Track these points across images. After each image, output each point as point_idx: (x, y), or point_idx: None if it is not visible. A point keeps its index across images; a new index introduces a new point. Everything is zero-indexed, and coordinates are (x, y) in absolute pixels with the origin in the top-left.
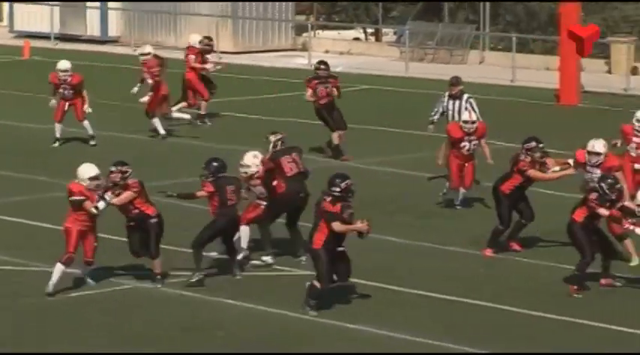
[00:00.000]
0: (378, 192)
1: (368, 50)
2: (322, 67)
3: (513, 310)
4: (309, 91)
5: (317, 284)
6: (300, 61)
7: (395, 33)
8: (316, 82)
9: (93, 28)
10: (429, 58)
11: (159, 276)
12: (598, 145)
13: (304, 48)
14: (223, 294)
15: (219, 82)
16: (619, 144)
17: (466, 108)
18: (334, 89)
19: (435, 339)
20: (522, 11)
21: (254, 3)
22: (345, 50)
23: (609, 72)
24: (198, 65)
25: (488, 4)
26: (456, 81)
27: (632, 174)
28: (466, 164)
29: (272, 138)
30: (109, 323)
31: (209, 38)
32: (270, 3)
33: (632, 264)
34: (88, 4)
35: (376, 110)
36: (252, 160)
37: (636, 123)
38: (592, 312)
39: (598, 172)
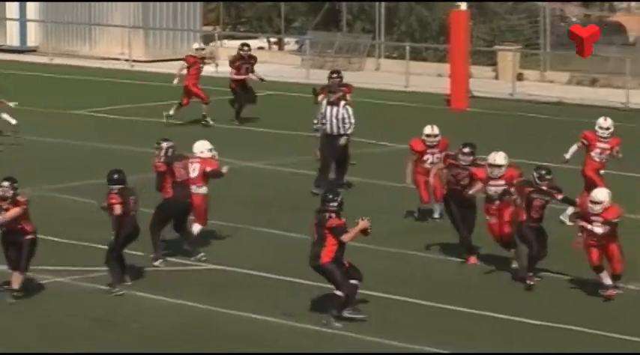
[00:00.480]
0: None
1: (271, 58)
2: (334, 76)
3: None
4: (321, 97)
5: (338, 293)
6: (208, 69)
7: (296, 42)
8: (328, 93)
9: (12, 38)
10: (329, 65)
11: (15, 293)
12: (499, 158)
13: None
14: (139, 288)
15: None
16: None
17: (344, 115)
18: (347, 97)
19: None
20: (415, 22)
21: (164, 14)
22: None
23: (496, 78)
24: (236, 77)
25: (383, 15)
26: (335, 88)
27: (598, 177)
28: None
29: (164, 144)
30: (25, 311)
31: (247, 45)
32: (179, 14)
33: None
34: (8, 15)
35: (280, 114)
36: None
37: (599, 130)
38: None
39: (501, 183)
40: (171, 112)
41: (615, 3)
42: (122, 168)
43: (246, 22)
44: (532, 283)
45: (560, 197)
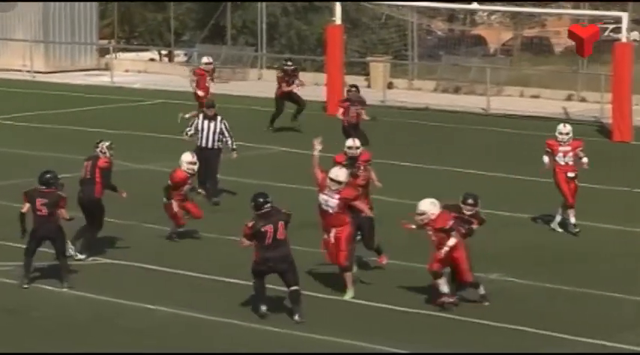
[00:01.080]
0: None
1: (162, 69)
2: (353, 89)
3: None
4: (341, 110)
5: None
6: (104, 79)
7: (185, 54)
8: (348, 103)
9: None
10: (215, 75)
11: None
12: (342, 174)
13: (107, 67)
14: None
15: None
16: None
17: (221, 128)
18: (362, 111)
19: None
20: (295, 35)
21: (63, 29)
22: (142, 69)
23: (369, 86)
24: (287, 88)
25: (265, 30)
26: (211, 104)
27: (566, 182)
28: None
29: (106, 143)
30: None
31: (290, 60)
32: (77, 29)
33: (345, 297)
34: None
35: (169, 120)
36: None
37: (559, 136)
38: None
39: (336, 198)
40: (187, 115)
41: (476, 17)
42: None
43: (138, 36)
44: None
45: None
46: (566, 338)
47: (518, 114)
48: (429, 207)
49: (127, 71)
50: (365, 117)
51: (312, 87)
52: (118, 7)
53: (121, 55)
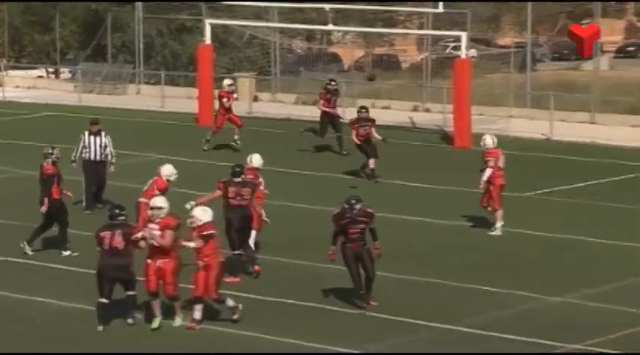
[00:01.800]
0: None
1: (50, 85)
2: (363, 110)
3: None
4: (354, 132)
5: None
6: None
7: (70, 71)
8: (357, 125)
9: None
10: (97, 90)
11: None
12: (159, 201)
13: None
14: None
15: None
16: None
17: (106, 143)
18: (372, 130)
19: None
20: (169, 54)
21: None
22: (31, 85)
23: (236, 100)
24: (329, 110)
25: (142, 49)
26: (95, 121)
27: (499, 187)
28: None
29: (56, 151)
30: None
31: (334, 80)
32: None
33: (175, 324)
34: None
35: (55, 131)
36: None
37: (487, 146)
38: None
39: (156, 228)
40: (208, 137)
41: (332, 37)
42: None
43: (27, 55)
44: (366, 306)
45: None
46: (418, 323)
47: None
48: (200, 213)
49: (17, 87)
50: (375, 135)
51: (185, 100)
52: (9, 29)
53: (12, 73)
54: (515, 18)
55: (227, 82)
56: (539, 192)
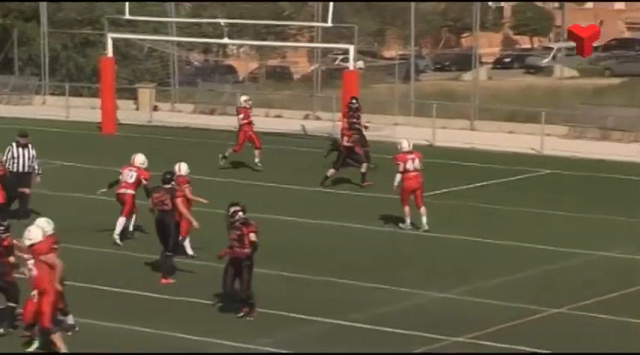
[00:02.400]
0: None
1: None
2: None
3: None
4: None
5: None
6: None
7: None
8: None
9: None
10: (4, 101)
11: None
12: (34, 232)
13: None
14: None
15: None
16: (398, 179)
17: (33, 155)
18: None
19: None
20: (73, 66)
21: None
22: None
23: (137, 109)
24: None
25: (48, 62)
26: (24, 133)
27: (409, 192)
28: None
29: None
30: None
31: (355, 98)
32: None
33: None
34: None
35: None
36: None
37: (403, 149)
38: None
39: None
40: (227, 154)
41: (228, 50)
42: None
43: None
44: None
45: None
46: (306, 319)
47: (265, 130)
48: (33, 229)
49: None
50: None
51: (89, 110)
52: None
53: None
54: (399, 32)
55: (243, 98)
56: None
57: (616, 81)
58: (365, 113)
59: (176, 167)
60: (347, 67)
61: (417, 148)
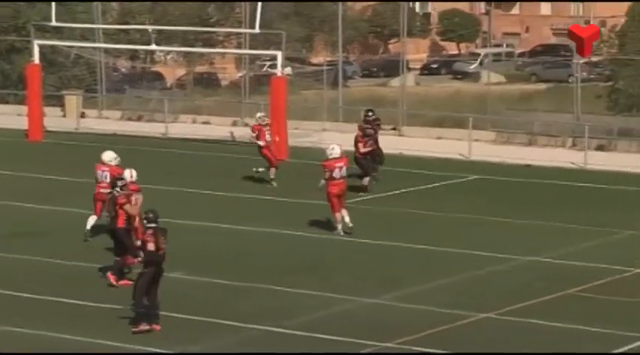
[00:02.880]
0: None
1: None
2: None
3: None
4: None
5: None
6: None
7: None
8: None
9: None
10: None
11: None
12: None
13: None
14: None
15: None
16: (322, 184)
17: None
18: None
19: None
20: None
21: None
22: None
23: (64, 116)
24: (364, 149)
25: None
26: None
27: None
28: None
29: None
30: None
31: (372, 110)
32: None
33: None
34: None
35: None
36: None
37: (331, 155)
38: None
39: None
40: (261, 169)
41: (155, 56)
42: None
43: None
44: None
45: None
46: (236, 326)
47: (193, 137)
48: None
49: None
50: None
51: (15, 117)
52: None
53: None
54: (327, 38)
55: (258, 114)
56: (350, 201)
57: (542, 86)
58: (293, 119)
59: (127, 173)
60: (275, 74)
61: (345, 154)
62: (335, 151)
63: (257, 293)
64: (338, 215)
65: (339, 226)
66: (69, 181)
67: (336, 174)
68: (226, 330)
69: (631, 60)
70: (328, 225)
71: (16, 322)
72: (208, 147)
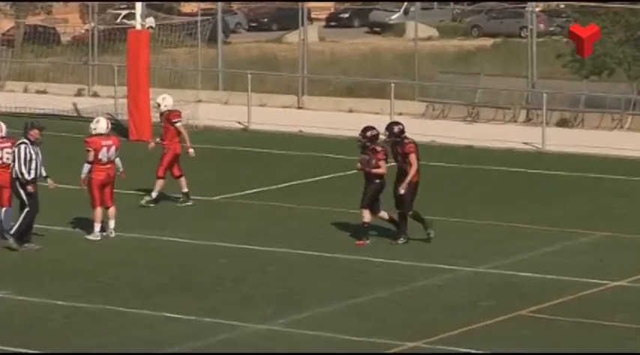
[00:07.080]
0: None
1: None
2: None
3: None
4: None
5: None
6: None
7: None
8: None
9: None
10: None
11: None
12: None
13: None
14: None
15: None
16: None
17: None
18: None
19: None
20: None
21: None
22: None
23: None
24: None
25: None
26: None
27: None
28: None
29: None
30: None
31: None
32: None
33: None
34: None
35: None
36: None
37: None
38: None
39: None
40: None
41: None
42: None
43: None
44: None
45: None
46: None
47: (24, 112)
48: None
49: None
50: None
51: None
52: None
53: None
54: None
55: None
56: (231, 195)
57: (487, 42)
58: (157, 87)
59: None
60: (133, 26)
61: (227, 133)
62: (101, 125)
63: (117, 318)
64: (99, 211)
65: (98, 226)
66: None
67: (103, 155)
68: None
69: (602, 6)
70: (204, 228)
71: None
72: (46, 123)
